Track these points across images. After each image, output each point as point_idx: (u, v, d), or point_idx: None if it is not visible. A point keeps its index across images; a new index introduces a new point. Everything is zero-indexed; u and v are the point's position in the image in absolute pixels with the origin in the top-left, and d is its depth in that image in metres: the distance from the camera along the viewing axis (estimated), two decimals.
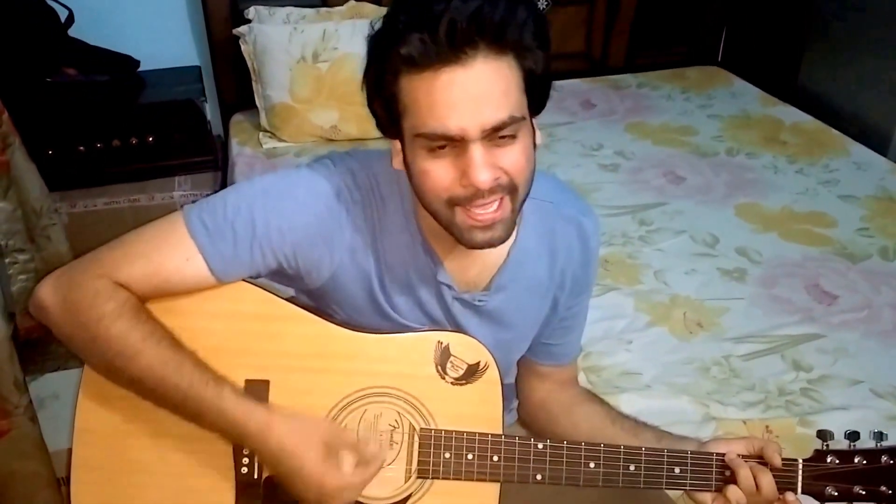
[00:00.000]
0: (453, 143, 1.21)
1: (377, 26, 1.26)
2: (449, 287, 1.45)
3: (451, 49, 1.17)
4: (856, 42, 3.83)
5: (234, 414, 1.31)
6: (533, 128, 1.29)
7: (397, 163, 1.32)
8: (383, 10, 3.41)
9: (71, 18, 3.33)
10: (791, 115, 3.83)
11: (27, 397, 2.26)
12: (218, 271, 1.34)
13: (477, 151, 1.21)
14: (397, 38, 1.18)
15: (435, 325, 1.47)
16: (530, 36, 1.22)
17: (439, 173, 1.24)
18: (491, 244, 1.30)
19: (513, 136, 1.23)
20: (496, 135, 1.21)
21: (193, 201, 1.40)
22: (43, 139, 3.19)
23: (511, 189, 1.26)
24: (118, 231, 1.37)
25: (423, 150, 1.23)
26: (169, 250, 1.33)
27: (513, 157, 1.24)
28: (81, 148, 3.33)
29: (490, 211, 1.26)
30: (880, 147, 3.56)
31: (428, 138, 1.21)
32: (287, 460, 1.31)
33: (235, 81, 3.73)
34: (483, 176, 1.21)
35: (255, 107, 3.57)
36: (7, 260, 2.70)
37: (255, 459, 1.40)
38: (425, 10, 1.16)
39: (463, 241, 1.30)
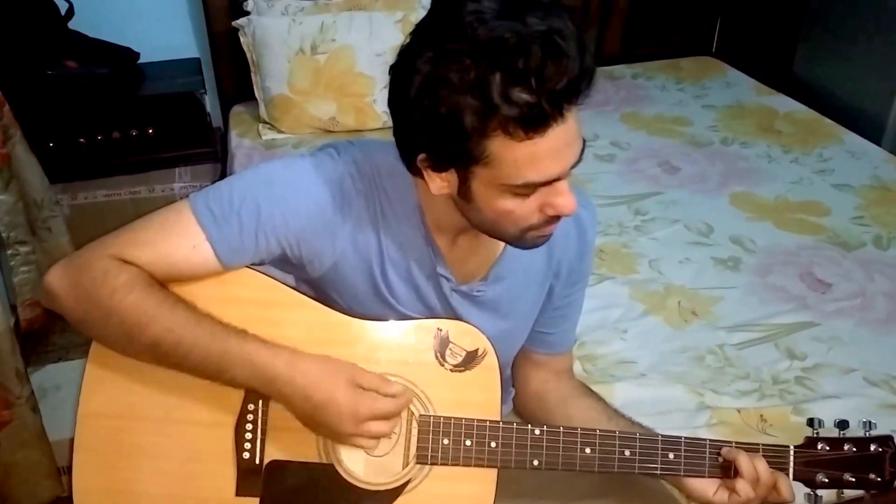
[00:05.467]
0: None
1: (437, 65, 1.16)
2: (447, 279, 1.47)
3: (560, 110, 1.17)
4: (849, 31, 3.84)
5: (259, 357, 1.33)
6: None
7: (437, 189, 1.30)
8: (379, 3, 3.48)
9: (71, 11, 3.34)
10: (785, 104, 3.84)
11: (28, 388, 2.28)
12: (224, 258, 1.36)
13: (565, 185, 1.26)
14: (492, 107, 1.14)
15: (433, 315, 1.49)
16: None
17: (524, 211, 1.27)
18: (545, 243, 1.37)
19: None
20: None
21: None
22: (44, 131, 3.20)
23: None
24: (119, 223, 1.39)
25: (507, 193, 1.24)
26: (176, 238, 1.35)
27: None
28: (82, 140, 3.34)
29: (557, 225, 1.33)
30: (874, 136, 3.58)
31: (525, 187, 1.23)
32: (316, 394, 1.33)
33: (235, 73, 3.74)
34: (571, 203, 1.26)
35: (255, 98, 3.58)
36: (9, 252, 2.71)
37: (258, 444, 1.41)
38: (529, 65, 1.12)
39: (522, 246, 1.37)
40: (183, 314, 1.33)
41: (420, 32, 1.23)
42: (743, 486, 1.43)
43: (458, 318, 1.49)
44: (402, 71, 1.22)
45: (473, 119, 1.16)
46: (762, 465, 1.44)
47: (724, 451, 1.46)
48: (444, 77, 1.15)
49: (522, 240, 1.33)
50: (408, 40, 1.23)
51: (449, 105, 1.16)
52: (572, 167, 1.25)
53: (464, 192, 1.28)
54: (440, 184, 1.29)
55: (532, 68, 1.12)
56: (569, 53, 1.13)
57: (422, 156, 1.26)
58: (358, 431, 1.35)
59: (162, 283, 1.36)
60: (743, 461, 1.43)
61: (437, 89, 1.16)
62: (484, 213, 1.30)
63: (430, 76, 1.17)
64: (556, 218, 1.30)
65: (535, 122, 1.15)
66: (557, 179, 1.24)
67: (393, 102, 1.27)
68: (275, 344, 1.35)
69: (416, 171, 1.31)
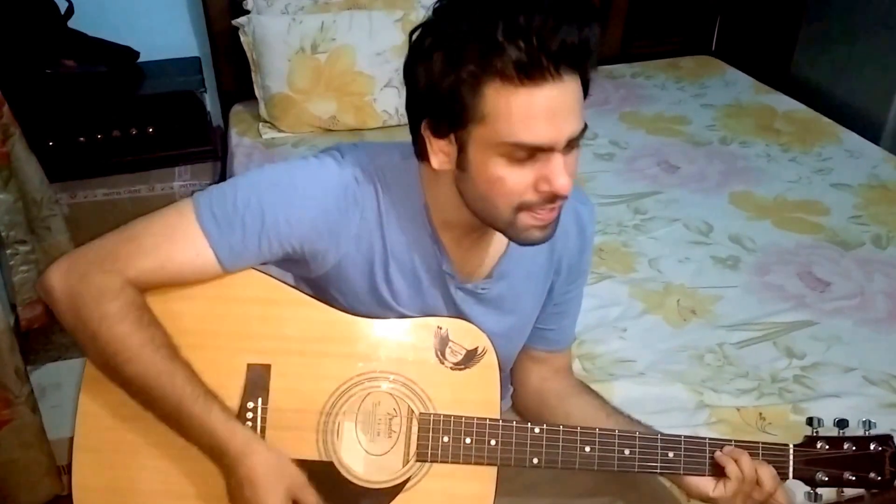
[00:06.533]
0: (537, 153, 1.25)
1: (446, 24, 1.24)
2: (452, 277, 1.47)
3: (556, 67, 1.19)
4: (848, 30, 3.84)
5: (219, 431, 1.33)
6: None
7: (438, 162, 1.32)
8: (379, 2, 3.48)
9: (70, 10, 3.34)
10: (784, 103, 3.84)
11: (28, 387, 2.28)
12: (227, 263, 1.36)
13: (560, 160, 1.25)
14: (495, 46, 1.18)
15: (433, 314, 1.49)
16: (596, 58, 1.27)
17: (516, 180, 1.27)
18: (543, 241, 1.36)
19: (577, 145, 1.29)
20: (571, 144, 1.27)
21: (193, 192, 1.40)
22: (43, 130, 3.21)
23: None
24: (119, 222, 1.38)
25: (501, 158, 1.25)
26: (180, 244, 1.35)
27: (574, 163, 1.29)
28: (82, 139, 3.34)
29: (551, 212, 1.32)
30: (873, 135, 3.57)
31: (517, 148, 1.24)
32: (249, 489, 1.33)
33: (235, 72, 3.74)
34: (566, 182, 1.26)
35: (255, 97, 3.59)
36: (8, 251, 2.71)
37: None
38: (531, 22, 1.17)
39: (517, 238, 1.36)
40: (161, 364, 1.33)
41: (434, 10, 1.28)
42: (732, 470, 1.44)
43: (462, 315, 1.50)
44: (414, 43, 1.28)
45: (473, 63, 1.20)
46: (746, 464, 1.44)
47: (717, 455, 1.46)
48: (447, 34, 1.22)
49: (514, 225, 1.32)
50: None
51: (450, 56, 1.21)
52: (570, 143, 1.26)
53: (461, 162, 1.29)
54: (442, 157, 1.31)
55: (534, 26, 1.16)
56: (571, 14, 1.18)
57: (424, 123, 1.29)
58: None
59: (154, 317, 1.36)
60: (735, 465, 1.44)
61: (440, 45, 1.23)
62: (477, 185, 1.30)
63: (435, 37, 1.24)
64: (551, 198, 1.29)
65: (530, 68, 1.18)
66: (551, 150, 1.24)
67: (404, 74, 1.31)
68: (237, 423, 1.36)
69: (422, 152, 1.33)
